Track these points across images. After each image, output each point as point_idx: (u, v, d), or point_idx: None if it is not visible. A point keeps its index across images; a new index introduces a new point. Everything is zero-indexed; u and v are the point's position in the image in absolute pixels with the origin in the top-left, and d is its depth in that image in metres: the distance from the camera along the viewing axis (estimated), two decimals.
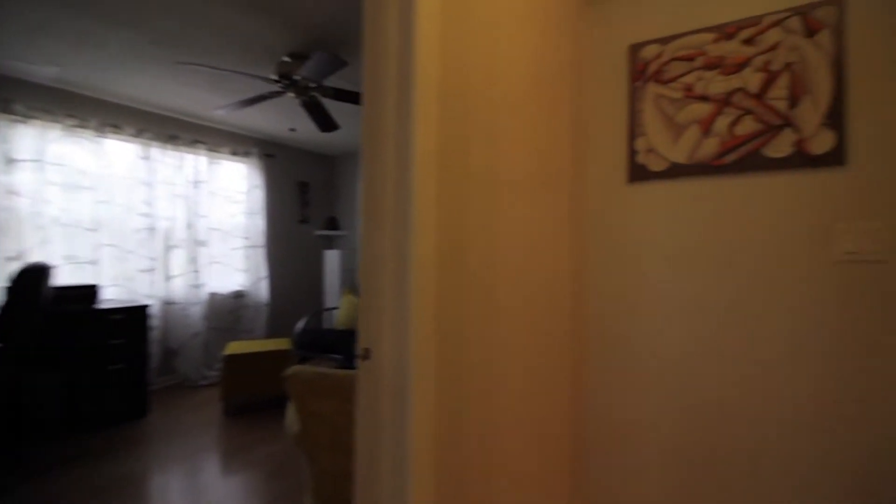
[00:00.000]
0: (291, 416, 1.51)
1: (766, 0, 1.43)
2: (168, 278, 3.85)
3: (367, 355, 0.89)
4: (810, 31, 1.37)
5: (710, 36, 1.52)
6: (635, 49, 1.66)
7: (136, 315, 3.09)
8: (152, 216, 3.73)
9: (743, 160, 1.46)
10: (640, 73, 1.65)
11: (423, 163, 0.88)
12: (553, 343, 1.59)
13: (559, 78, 1.64)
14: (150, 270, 3.73)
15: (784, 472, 1.38)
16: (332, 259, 5.12)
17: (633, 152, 1.66)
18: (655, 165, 1.61)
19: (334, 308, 4.58)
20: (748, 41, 1.46)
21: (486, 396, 1.16)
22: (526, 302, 1.41)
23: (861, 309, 1.29)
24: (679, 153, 1.57)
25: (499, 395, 1.23)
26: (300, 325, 3.87)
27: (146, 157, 3.72)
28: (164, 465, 2.45)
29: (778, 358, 1.39)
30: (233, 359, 3.15)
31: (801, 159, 1.38)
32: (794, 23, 1.39)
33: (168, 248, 3.85)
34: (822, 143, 1.35)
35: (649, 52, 1.63)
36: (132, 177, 3.65)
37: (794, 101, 1.39)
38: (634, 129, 1.66)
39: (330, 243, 5.45)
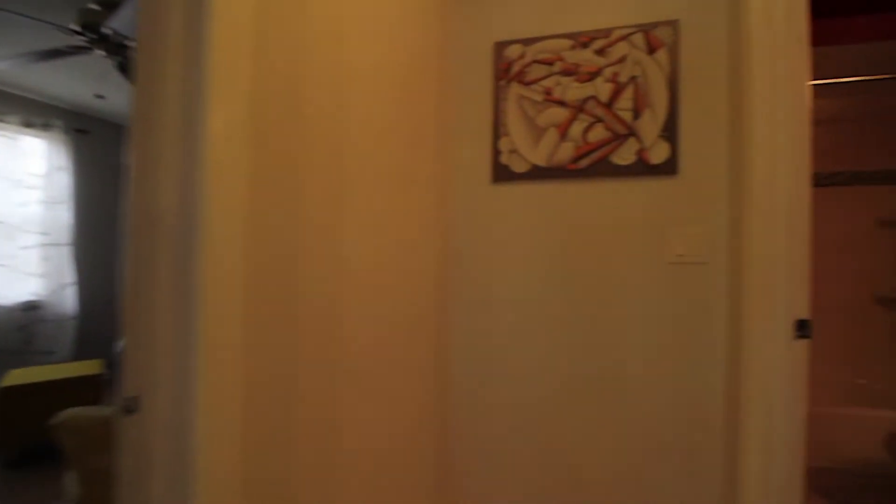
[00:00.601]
0: (70, 476, 1.13)
1: (615, 14, 1.50)
2: None
3: (132, 407, 0.64)
4: (651, 49, 1.46)
5: (567, 42, 1.55)
6: (500, 47, 1.63)
7: None
8: None
9: (595, 165, 1.52)
10: (505, 71, 1.62)
11: (224, 149, 0.65)
12: (415, 358, 1.47)
13: (424, 71, 1.52)
14: None
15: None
16: None
17: (497, 152, 1.62)
18: (518, 167, 1.60)
19: None
20: (600, 52, 1.52)
21: (327, 449, 0.96)
22: (383, 318, 1.25)
23: (688, 305, 1.42)
24: (539, 156, 1.57)
25: (346, 445, 1.03)
26: (122, 342, 3.17)
27: None
28: None
29: (622, 353, 1.47)
30: (12, 391, 2.41)
31: (643, 167, 1.47)
32: (638, 39, 1.48)
33: None
34: (659, 153, 1.46)
35: (513, 51, 1.61)
36: None
37: (637, 112, 1.48)
38: (499, 129, 1.62)
39: None
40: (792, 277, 1.11)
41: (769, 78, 1.21)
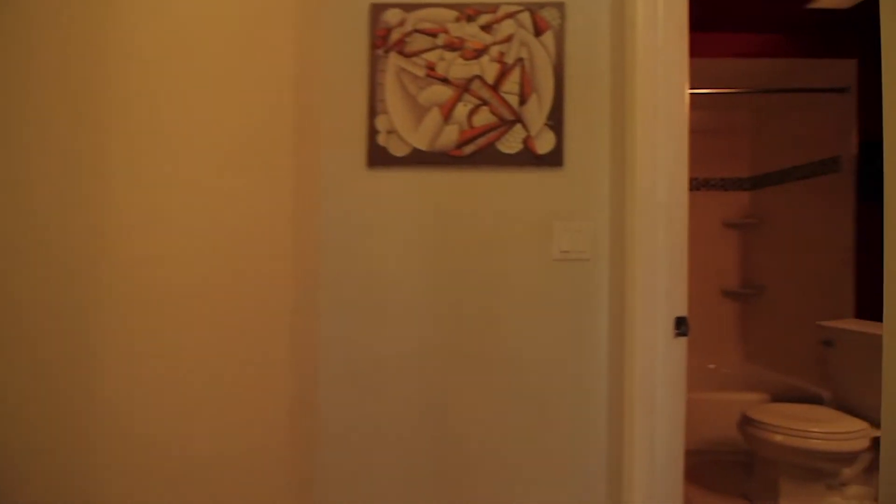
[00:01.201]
0: None
1: None
2: None
3: None
4: (538, 30, 1.37)
5: (452, 13, 1.39)
6: (377, 10, 1.41)
7: None
8: None
9: (480, 152, 1.38)
10: (382, 39, 1.41)
11: None
12: (268, 362, 1.19)
13: (273, 27, 1.24)
14: None
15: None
16: None
17: (373, 132, 1.41)
18: (397, 150, 1.40)
19: None
20: (486, 27, 1.39)
21: None
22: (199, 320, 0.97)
23: (572, 303, 1.36)
24: (421, 139, 1.39)
25: None
26: None
27: None
28: None
29: (505, 352, 1.37)
30: None
31: (529, 157, 1.37)
32: (525, 18, 1.37)
33: None
34: (545, 143, 1.37)
35: (392, 16, 1.40)
36: None
37: (524, 97, 1.37)
38: (375, 105, 1.41)
39: None
40: (672, 276, 1.08)
41: (652, 72, 1.18)
